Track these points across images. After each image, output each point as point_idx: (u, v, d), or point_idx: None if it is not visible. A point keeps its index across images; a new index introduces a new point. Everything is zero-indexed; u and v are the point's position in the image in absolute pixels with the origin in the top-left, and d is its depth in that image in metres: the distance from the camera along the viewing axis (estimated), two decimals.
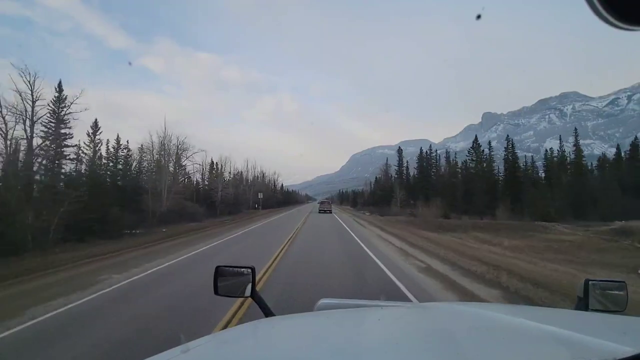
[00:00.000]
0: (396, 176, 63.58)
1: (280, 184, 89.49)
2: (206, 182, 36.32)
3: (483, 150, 42.01)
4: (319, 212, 39.34)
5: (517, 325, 1.03)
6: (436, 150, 54.86)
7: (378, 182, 78.51)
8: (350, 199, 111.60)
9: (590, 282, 1.37)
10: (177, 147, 27.42)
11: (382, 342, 0.96)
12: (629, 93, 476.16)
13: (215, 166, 44.19)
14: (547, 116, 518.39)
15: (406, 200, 45.11)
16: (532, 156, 46.86)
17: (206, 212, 29.19)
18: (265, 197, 57.38)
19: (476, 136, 42.82)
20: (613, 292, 1.40)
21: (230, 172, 44.61)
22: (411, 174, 64.23)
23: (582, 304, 1.37)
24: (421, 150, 54.92)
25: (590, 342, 0.76)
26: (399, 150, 65.15)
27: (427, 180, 52.71)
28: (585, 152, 50.36)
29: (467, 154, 42.51)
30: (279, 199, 75.57)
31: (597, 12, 0.59)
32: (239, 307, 4.94)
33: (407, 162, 65.63)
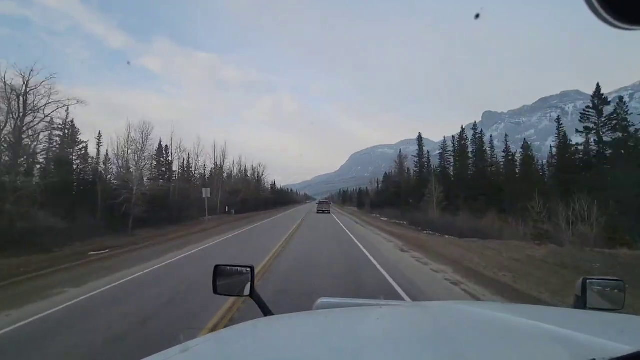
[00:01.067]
0: (416, 169, 50.06)
1: (270, 180, 74.87)
2: (123, 171, 20.85)
3: (627, 108, 23.65)
4: (317, 212, 38.81)
5: (516, 324, 1.02)
6: (481, 130, 40.71)
7: (388, 178, 64.97)
8: (355, 200, 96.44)
9: (588, 281, 1.34)
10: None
11: (381, 341, 0.96)
12: (630, 91, 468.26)
13: (164, 150, 30.12)
14: (548, 115, 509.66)
15: (448, 201, 31.13)
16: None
17: (100, 223, 15.11)
18: (245, 197, 43.66)
19: (598, 84, 24.66)
20: (611, 290, 1.37)
21: (171, 155, 30.29)
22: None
23: (580, 303, 1.34)
24: (462, 130, 40.60)
25: (588, 341, 0.77)
26: (419, 138, 51.38)
27: (466, 173, 38.88)
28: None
29: (581, 118, 25.19)
30: (269, 198, 61.04)
31: (596, 13, 0.58)
32: None
33: (428, 152, 52.04)
